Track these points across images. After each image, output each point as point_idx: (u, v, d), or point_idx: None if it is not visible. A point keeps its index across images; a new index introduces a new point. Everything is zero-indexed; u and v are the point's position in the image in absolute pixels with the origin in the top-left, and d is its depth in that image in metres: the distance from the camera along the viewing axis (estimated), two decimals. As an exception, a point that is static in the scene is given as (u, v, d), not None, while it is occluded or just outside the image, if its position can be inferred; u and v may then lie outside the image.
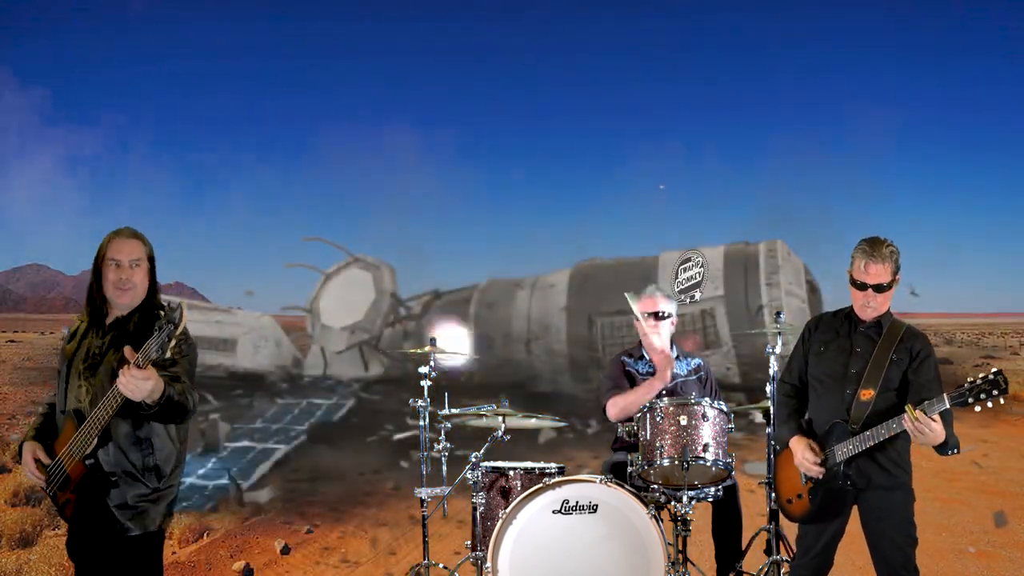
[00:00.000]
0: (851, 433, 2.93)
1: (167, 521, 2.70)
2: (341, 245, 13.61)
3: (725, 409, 3.51)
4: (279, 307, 14.24)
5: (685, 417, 3.39)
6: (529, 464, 3.79)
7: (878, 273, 2.95)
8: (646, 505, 3.36)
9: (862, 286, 2.98)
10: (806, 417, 3.18)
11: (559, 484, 3.43)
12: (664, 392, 3.85)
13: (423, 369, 4.09)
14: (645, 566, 3.31)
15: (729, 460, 3.45)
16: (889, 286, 2.97)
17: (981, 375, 2.69)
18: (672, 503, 3.41)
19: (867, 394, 2.94)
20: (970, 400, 2.70)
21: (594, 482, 3.41)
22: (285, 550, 5.42)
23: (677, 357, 4.00)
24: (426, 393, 4.07)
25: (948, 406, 2.73)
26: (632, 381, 3.93)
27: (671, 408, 3.43)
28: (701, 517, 3.91)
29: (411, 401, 4.06)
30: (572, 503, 3.40)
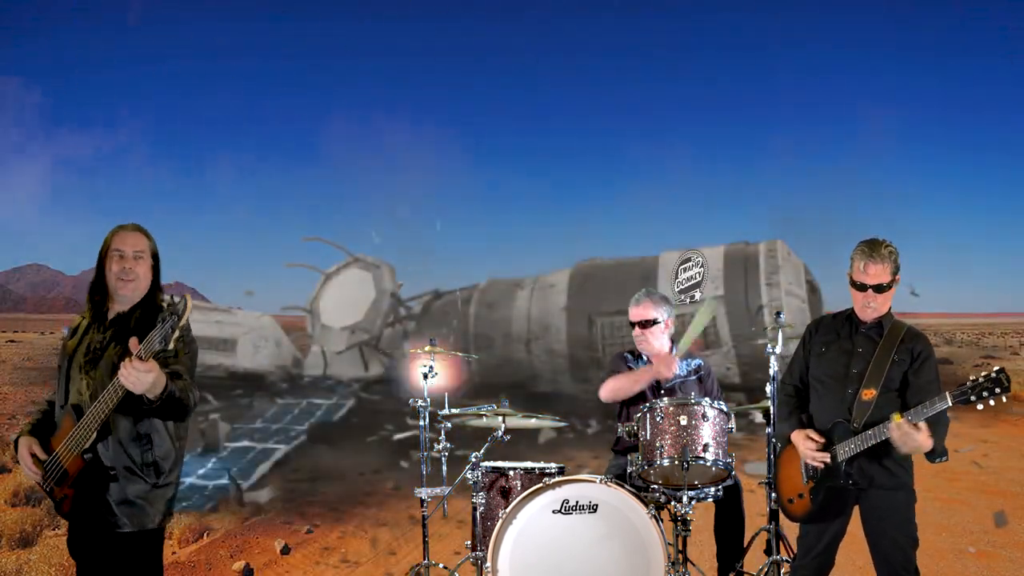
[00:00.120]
0: (853, 432, 2.93)
1: (167, 520, 2.69)
2: (341, 245, 13.61)
3: (725, 409, 3.50)
4: (279, 307, 14.23)
5: (685, 417, 3.39)
6: (529, 464, 3.79)
7: (877, 273, 2.96)
8: (646, 505, 3.35)
9: (862, 287, 2.99)
10: (807, 415, 3.19)
11: (559, 484, 3.43)
12: (664, 392, 3.86)
13: (423, 369, 4.09)
14: (645, 566, 3.31)
15: (729, 460, 3.45)
16: (889, 286, 2.99)
17: (983, 373, 2.70)
18: (672, 503, 3.41)
19: (869, 394, 2.95)
20: (972, 398, 2.71)
21: (594, 482, 3.41)
22: (285, 550, 5.42)
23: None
24: (426, 393, 4.07)
25: (951, 404, 2.75)
26: None
27: (671, 408, 3.43)
28: (701, 517, 3.91)
29: (411, 401, 4.06)
30: (572, 503, 3.40)
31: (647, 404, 3.51)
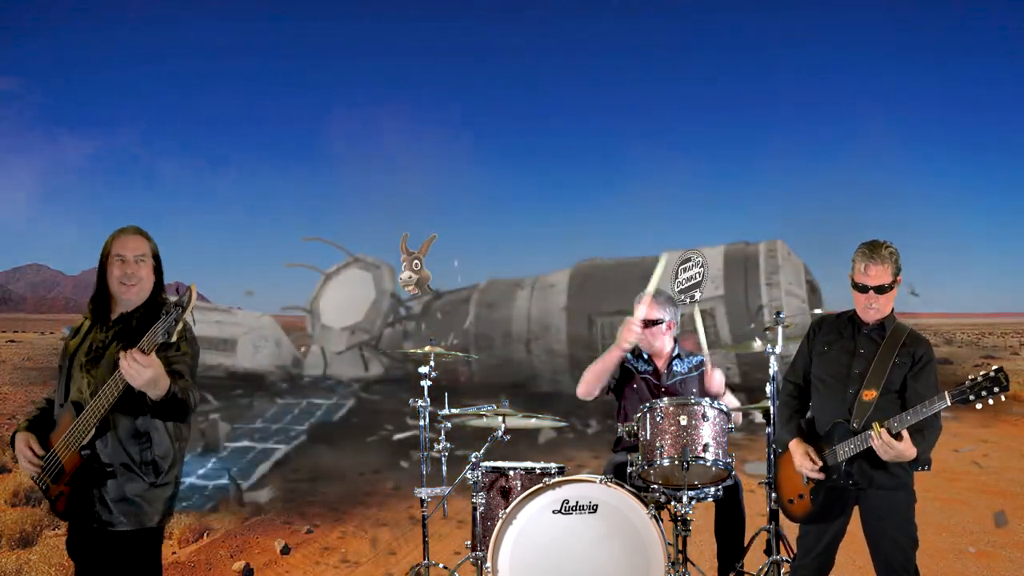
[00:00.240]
0: (852, 433, 2.93)
1: (166, 519, 2.68)
2: (341, 245, 13.60)
3: (725, 409, 3.51)
4: (279, 307, 14.20)
5: (685, 417, 3.39)
6: (529, 464, 3.79)
7: (878, 274, 2.97)
8: (646, 505, 3.35)
9: (863, 288, 3.00)
10: (808, 416, 3.19)
11: (559, 484, 3.43)
12: (664, 391, 3.87)
13: (423, 369, 4.09)
14: (645, 566, 3.31)
15: (729, 460, 3.45)
16: (890, 287, 2.99)
17: (983, 373, 2.71)
18: (672, 503, 3.41)
19: (869, 395, 2.95)
20: (971, 397, 2.72)
21: (594, 482, 3.41)
22: (285, 550, 5.42)
23: (678, 356, 4.01)
24: (426, 393, 4.07)
25: (949, 403, 2.76)
26: (629, 377, 3.95)
27: (671, 408, 3.43)
28: (702, 517, 3.91)
29: (411, 401, 4.06)
30: (572, 503, 3.40)
31: (647, 404, 3.51)
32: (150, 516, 2.61)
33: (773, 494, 3.66)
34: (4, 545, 5.37)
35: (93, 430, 2.50)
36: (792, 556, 3.43)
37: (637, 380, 3.94)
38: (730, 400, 3.99)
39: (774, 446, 3.63)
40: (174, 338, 2.31)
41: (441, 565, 4.04)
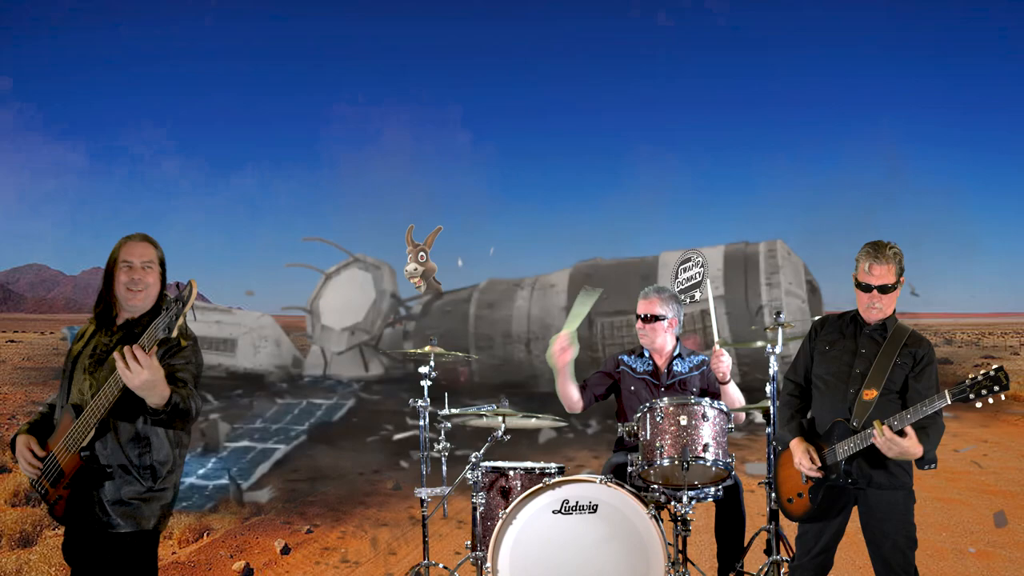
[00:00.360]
0: (852, 432, 2.94)
1: (163, 523, 2.67)
2: (341, 245, 13.61)
3: (725, 409, 3.51)
4: (279, 307, 14.24)
5: (685, 417, 3.39)
6: (529, 464, 3.78)
7: (882, 274, 2.98)
8: (646, 505, 3.35)
9: (867, 288, 3.01)
10: (808, 416, 3.19)
11: (559, 484, 3.42)
12: (664, 390, 3.87)
13: (423, 369, 4.09)
14: (645, 566, 3.31)
15: (729, 460, 3.45)
16: (893, 287, 3.01)
17: (982, 371, 2.72)
18: (672, 503, 3.41)
19: (870, 395, 2.96)
20: (971, 396, 2.72)
21: (594, 482, 3.41)
22: (285, 550, 5.42)
23: (679, 355, 4.01)
24: (426, 393, 4.07)
25: (949, 402, 2.76)
26: (628, 378, 3.95)
27: (671, 408, 3.43)
28: (701, 517, 3.91)
29: (411, 401, 4.06)
30: (572, 503, 3.40)
31: (647, 404, 3.51)
32: (147, 519, 2.60)
33: (773, 494, 3.66)
34: (4, 545, 5.37)
35: (92, 431, 2.50)
36: (792, 556, 3.43)
37: (635, 380, 3.94)
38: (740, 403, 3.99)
39: (775, 445, 3.63)
40: (175, 333, 2.30)
41: (441, 565, 4.04)
